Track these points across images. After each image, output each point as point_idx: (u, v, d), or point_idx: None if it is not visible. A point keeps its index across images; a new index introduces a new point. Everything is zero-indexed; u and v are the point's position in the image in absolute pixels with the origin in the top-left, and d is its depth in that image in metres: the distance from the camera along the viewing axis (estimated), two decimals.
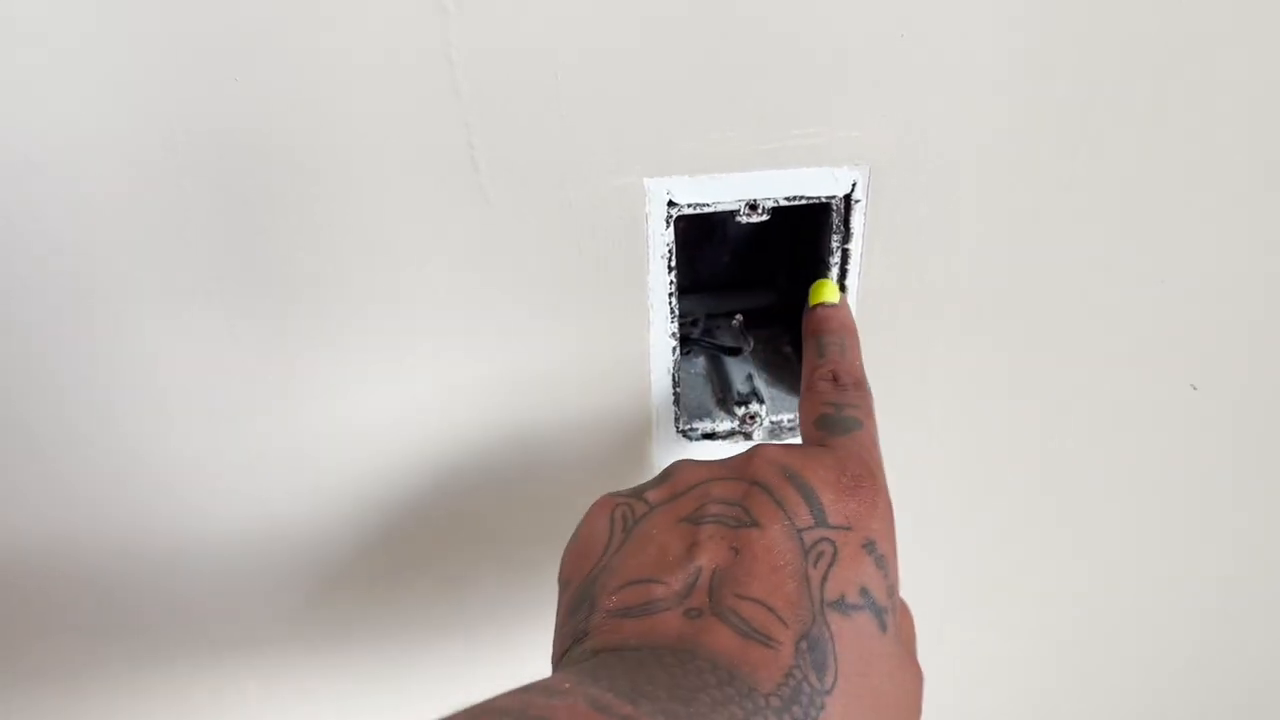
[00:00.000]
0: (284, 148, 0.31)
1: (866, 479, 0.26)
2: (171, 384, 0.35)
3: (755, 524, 0.24)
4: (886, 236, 0.35)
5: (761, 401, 0.40)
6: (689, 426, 0.40)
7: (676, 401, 0.39)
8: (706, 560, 0.24)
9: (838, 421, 0.29)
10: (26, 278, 0.32)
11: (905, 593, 0.28)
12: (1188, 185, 0.36)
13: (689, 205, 0.34)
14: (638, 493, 0.27)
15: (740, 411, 0.39)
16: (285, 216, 0.32)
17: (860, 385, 0.31)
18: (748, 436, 0.40)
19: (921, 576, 0.47)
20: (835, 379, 0.31)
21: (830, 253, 0.36)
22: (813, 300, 0.35)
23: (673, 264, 0.35)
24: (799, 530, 0.24)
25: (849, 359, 0.32)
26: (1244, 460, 0.46)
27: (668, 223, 0.34)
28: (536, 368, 0.37)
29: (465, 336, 0.36)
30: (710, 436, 0.40)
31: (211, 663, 0.45)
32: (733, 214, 0.34)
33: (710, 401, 0.41)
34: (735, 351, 0.42)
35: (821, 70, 0.31)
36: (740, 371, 0.42)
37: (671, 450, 0.40)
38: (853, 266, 0.36)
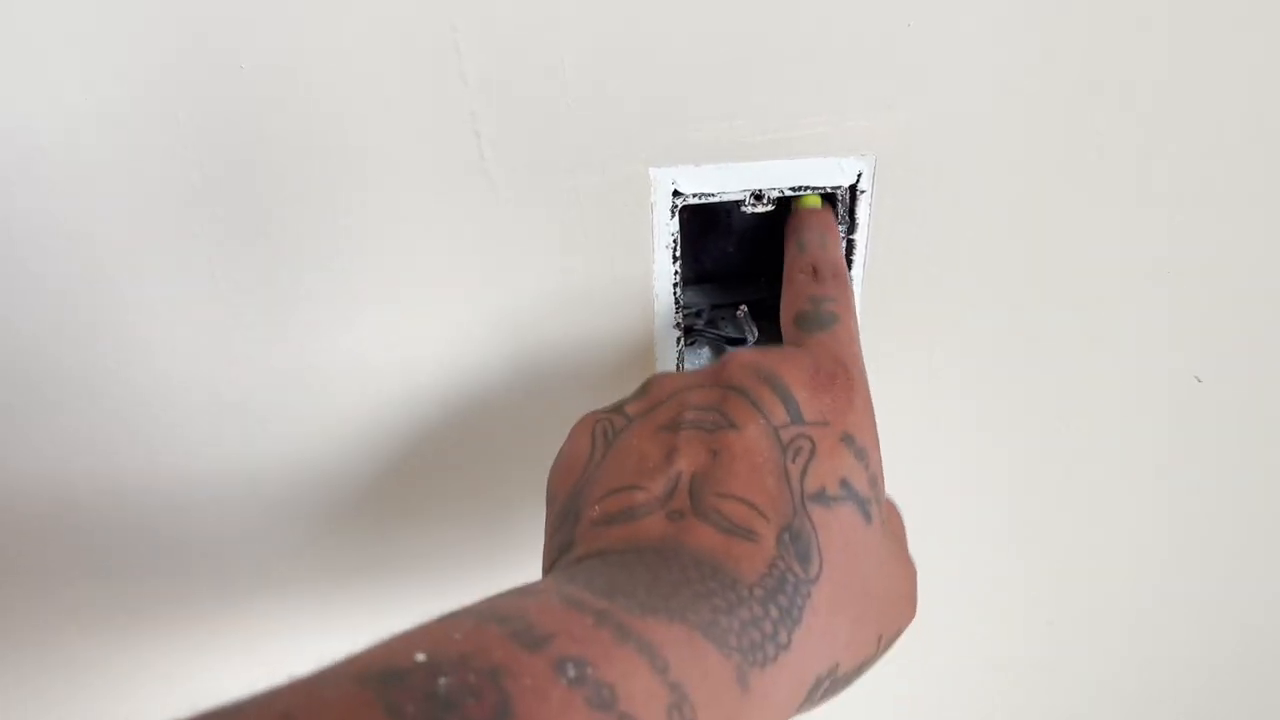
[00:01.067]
0: (289, 134, 0.31)
1: (841, 374, 0.26)
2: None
3: (732, 425, 0.25)
4: (891, 227, 0.35)
5: None
6: None
7: None
8: (686, 464, 0.24)
9: (815, 317, 0.29)
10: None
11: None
12: (1193, 176, 0.36)
13: (694, 195, 0.34)
14: (617, 407, 0.28)
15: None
16: (290, 203, 0.32)
17: (839, 275, 0.31)
18: None
19: (923, 564, 0.48)
20: (815, 271, 0.31)
21: None
22: (797, 206, 0.35)
23: (677, 254, 0.35)
24: (776, 428, 0.25)
25: (829, 251, 0.32)
26: (1249, 452, 0.46)
27: (673, 212, 0.34)
28: (540, 357, 0.37)
29: (467, 327, 0.36)
30: None
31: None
32: (738, 204, 0.34)
33: None
34: (740, 342, 0.42)
35: (827, 60, 0.31)
36: None
37: None
38: (858, 257, 0.36)
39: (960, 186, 0.35)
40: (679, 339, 0.37)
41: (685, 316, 0.37)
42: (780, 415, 0.25)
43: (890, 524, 0.27)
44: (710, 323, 0.43)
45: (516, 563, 0.46)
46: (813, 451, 0.24)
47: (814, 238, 0.33)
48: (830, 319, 0.29)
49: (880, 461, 0.26)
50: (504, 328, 0.36)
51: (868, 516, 0.24)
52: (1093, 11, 0.32)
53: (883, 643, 0.26)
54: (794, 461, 0.24)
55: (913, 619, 0.27)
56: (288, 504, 0.42)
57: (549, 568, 0.24)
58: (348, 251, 0.34)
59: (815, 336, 0.28)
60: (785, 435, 0.25)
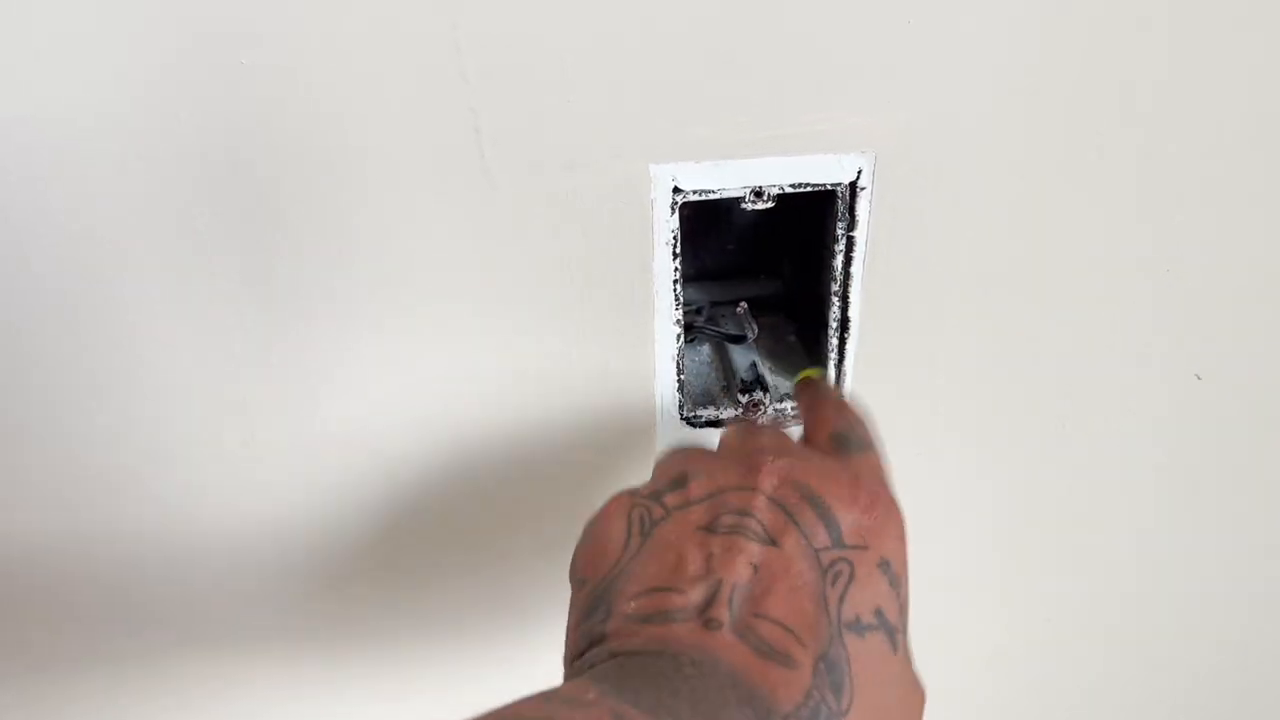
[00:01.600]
0: (289, 132, 0.31)
1: (882, 496, 0.26)
2: (176, 379, 0.36)
3: (773, 542, 0.25)
4: (891, 224, 0.35)
5: (766, 389, 0.40)
6: (693, 414, 0.40)
7: (681, 389, 0.39)
8: (726, 574, 0.24)
9: (851, 440, 0.29)
10: (30, 274, 0.32)
11: (911, 579, 0.28)
12: (1193, 175, 0.36)
13: (694, 192, 0.34)
14: (655, 495, 0.27)
15: (744, 399, 0.39)
16: (291, 200, 0.32)
17: (865, 423, 0.31)
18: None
19: (923, 567, 0.48)
20: (840, 412, 0.32)
21: (835, 240, 0.36)
22: (800, 377, 0.37)
23: (677, 251, 0.35)
24: (816, 550, 0.25)
25: (848, 413, 0.33)
26: (1249, 450, 0.46)
27: (673, 209, 0.34)
28: (540, 354, 0.37)
29: (468, 320, 0.36)
30: (715, 424, 0.40)
31: (216, 655, 0.45)
32: (738, 201, 0.34)
33: (715, 388, 0.41)
34: (740, 339, 0.42)
35: (828, 57, 0.31)
36: (745, 359, 0.42)
37: (676, 438, 0.40)
38: (857, 254, 0.36)
39: (960, 184, 0.35)
40: (679, 336, 0.37)
41: (685, 314, 0.37)
42: (821, 537, 0.25)
43: (907, 651, 0.27)
44: (710, 319, 0.43)
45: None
46: (851, 576, 0.24)
47: (831, 402, 0.33)
48: (864, 443, 0.29)
49: (908, 587, 0.26)
50: (503, 327, 0.36)
51: (894, 645, 0.25)
52: (1093, 11, 0.32)
53: None
54: (832, 586, 0.24)
55: None
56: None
57: (576, 654, 0.24)
58: (347, 254, 0.34)
59: (854, 456, 0.28)
60: (825, 558, 0.25)
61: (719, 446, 0.30)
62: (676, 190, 0.33)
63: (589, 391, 0.39)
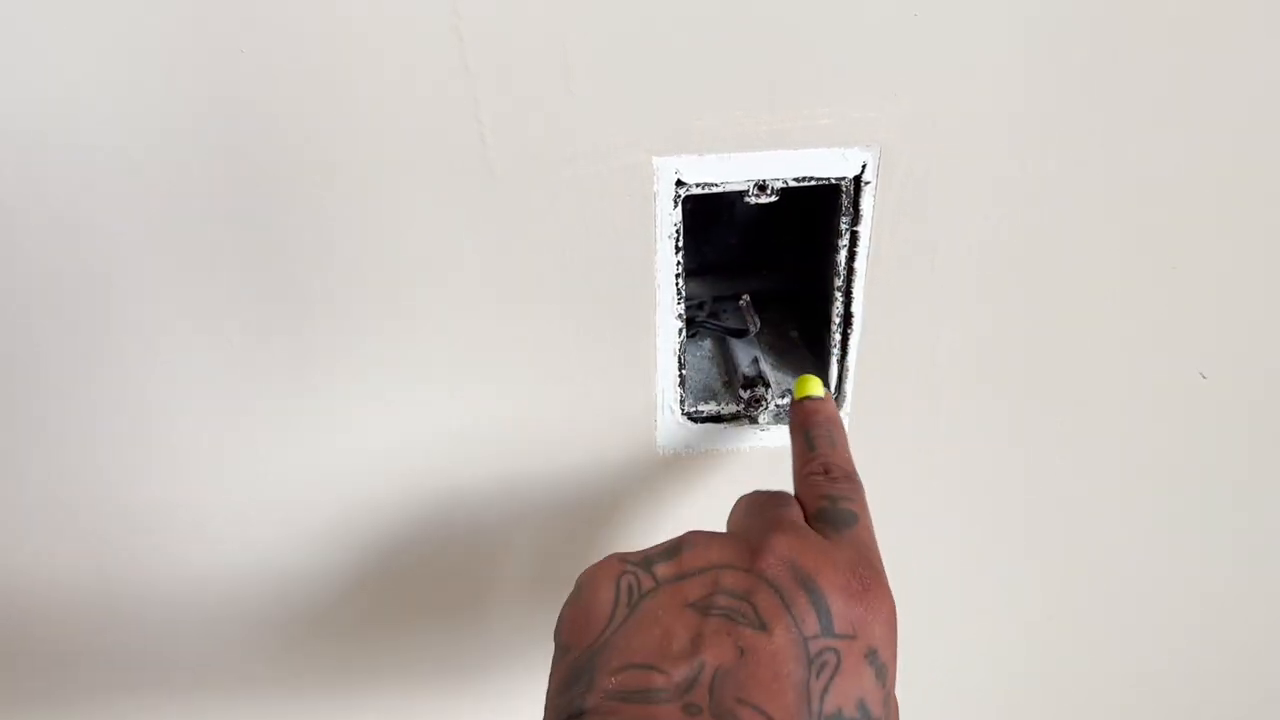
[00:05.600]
0: (290, 123, 0.31)
1: (874, 583, 0.26)
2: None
3: (762, 627, 0.25)
4: (895, 219, 0.35)
5: (767, 385, 0.40)
6: (694, 409, 0.40)
7: (682, 383, 0.39)
8: (710, 656, 0.24)
9: (835, 515, 0.29)
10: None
11: (911, 579, 0.28)
12: (1201, 170, 0.36)
13: (697, 185, 0.33)
14: (646, 563, 0.27)
15: (746, 394, 0.39)
16: (291, 190, 0.32)
17: (852, 478, 0.31)
18: (753, 420, 0.40)
19: (924, 562, 0.47)
20: (827, 472, 0.31)
21: (839, 235, 0.35)
22: (798, 394, 0.35)
23: (680, 245, 0.35)
24: (806, 639, 0.25)
25: (839, 452, 0.32)
26: (1254, 449, 0.46)
27: (676, 202, 0.34)
28: (539, 350, 0.37)
29: (466, 313, 0.36)
30: (716, 419, 0.40)
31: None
32: (741, 195, 0.34)
33: (716, 384, 0.41)
34: (742, 333, 0.42)
35: (832, 50, 0.31)
36: (746, 354, 0.42)
37: (677, 433, 0.40)
38: (861, 249, 0.36)
39: (965, 178, 0.35)
40: (680, 330, 0.37)
41: (687, 308, 0.37)
42: (811, 625, 0.25)
43: None
44: (712, 314, 0.43)
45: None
46: (837, 667, 0.24)
47: (823, 435, 0.33)
48: (850, 518, 0.29)
49: (895, 674, 0.26)
50: (502, 319, 0.36)
51: None
52: (1098, 3, 0.31)
53: None
54: (817, 678, 0.24)
55: None
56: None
57: None
58: (346, 241, 0.33)
59: (842, 534, 0.28)
60: (813, 647, 0.24)
61: (729, 516, 0.30)
62: (679, 183, 0.33)
63: (589, 386, 0.38)
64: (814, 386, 0.35)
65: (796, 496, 0.31)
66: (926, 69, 0.32)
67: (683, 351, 0.38)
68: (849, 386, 0.39)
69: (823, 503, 0.30)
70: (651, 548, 0.28)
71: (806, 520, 0.29)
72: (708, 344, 0.43)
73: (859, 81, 0.32)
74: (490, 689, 0.47)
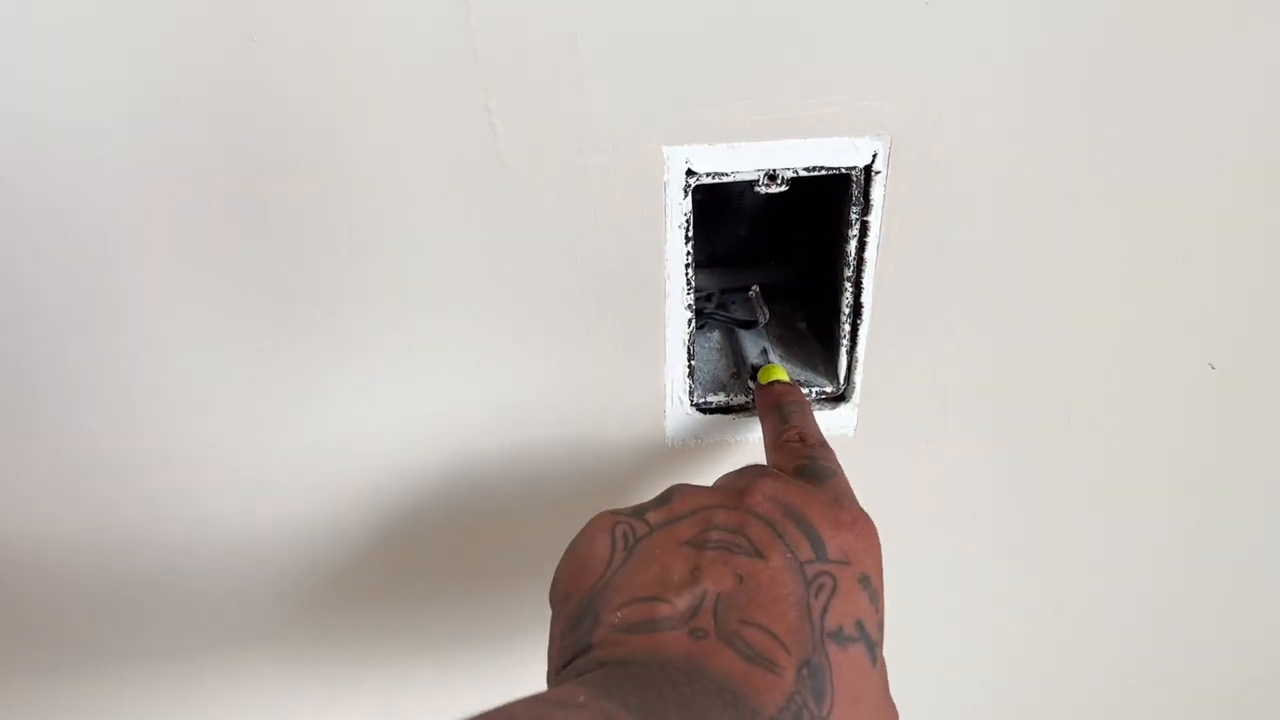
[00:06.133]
0: (300, 112, 0.31)
1: (861, 517, 0.28)
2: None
3: (759, 554, 0.25)
4: (906, 208, 0.35)
5: None
6: (703, 400, 0.40)
7: (691, 374, 0.39)
8: (711, 584, 0.25)
9: (815, 470, 0.30)
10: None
11: (916, 572, 0.28)
12: (1211, 160, 0.36)
13: (708, 174, 0.33)
14: (638, 513, 0.28)
15: (754, 385, 0.39)
16: (301, 186, 0.32)
17: (826, 445, 0.32)
18: None
19: (930, 558, 0.47)
20: (803, 439, 0.32)
21: (849, 225, 0.35)
22: (765, 380, 0.37)
23: (690, 234, 0.35)
24: (801, 563, 0.26)
25: (811, 424, 0.34)
26: (1263, 442, 0.46)
27: (686, 192, 0.34)
28: (549, 338, 0.37)
29: (478, 303, 0.36)
30: (724, 410, 0.40)
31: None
32: (751, 185, 0.34)
33: (724, 375, 0.41)
34: (750, 324, 0.42)
35: (843, 39, 0.31)
36: (755, 345, 0.42)
37: (685, 423, 0.40)
38: (871, 239, 0.35)
39: (975, 167, 0.34)
40: (690, 321, 0.37)
41: (696, 299, 0.37)
42: (805, 550, 0.26)
43: (883, 670, 0.28)
44: (721, 305, 0.43)
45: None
46: (834, 589, 0.25)
47: (795, 410, 0.34)
48: (830, 472, 0.30)
49: (884, 607, 0.27)
50: (512, 309, 0.36)
51: (874, 660, 0.25)
52: None
53: None
54: (816, 598, 0.25)
55: None
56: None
57: (562, 665, 0.25)
58: (357, 231, 0.33)
59: (824, 484, 0.29)
60: (810, 570, 0.25)
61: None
62: (690, 173, 0.33)
63: (598, 376, 0.38)
64: (781, 373, 0.37)
65: (773, 464, 0.32)
66: (937, 58, 0.32)
67: (692, 342, 0.38)
68: (858, 378, 0.39)
69: (802, 462, 0.31)
70: (644, 502, 0.29)
71: (791, 476, 0.30)
72: (716, 335, 0.43)
73: (870, 71, 0.32)
74: (510, 656, 0.47)
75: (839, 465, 0.31)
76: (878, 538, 0.28)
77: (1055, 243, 0.37)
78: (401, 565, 0.44)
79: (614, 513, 0.28)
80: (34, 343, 0.34)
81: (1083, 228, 0.37)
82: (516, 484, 0.41)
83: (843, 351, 0.39)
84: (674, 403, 0.39)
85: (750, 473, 0.29)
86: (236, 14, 0.29)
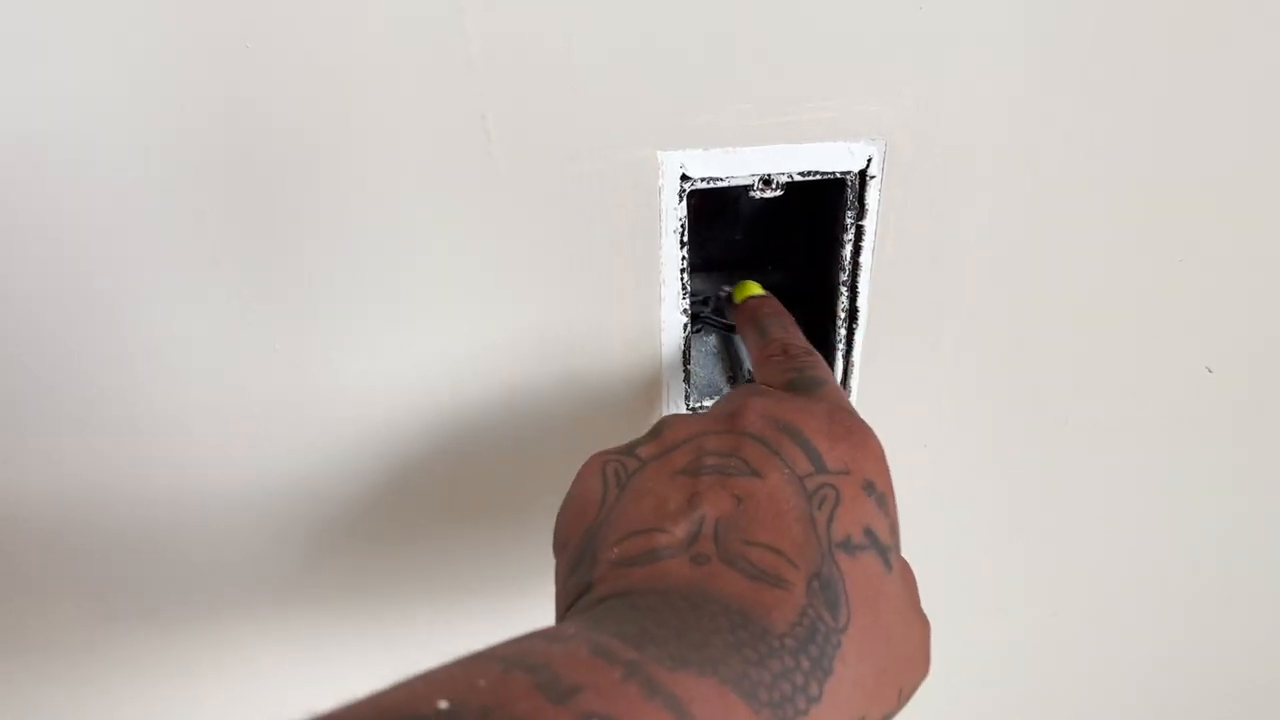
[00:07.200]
0: (294, 118, 0.31)
1: (856, 423, 0.27)
2: (176, 343, 0.35)
3: (755, 473, 0.25)
4: (901, 213, 0.35)
5: None
6: (699, 404, 0.40)
7: (687, 379, 0.39)
8: (709, 509, 0.24)
9: (804, 382, 0.29)
10: (30, 243, 0.32)
11: (918, 571, 0.28)
12: (1207, 164, 0.36)
13: (702, 179, 0.33)
14: (628, 449, 0.27)
15: (730, 309, 0.39)
16: (295, 188, 0.32)
17: (811, 352, 0.31)
18: None
19: (930, 559, 0.47)
20: (786, 351, 0.31)
21: (844, 229, 0.35)
22: (739, 297, 0.36)
23: (685, 239, 0.35)
24: (800, 477, 0.25)
25: (791, 333, 0.33)
26: (1261, 444, 0.46)
27: (681, 197, 0.34)
28: (546, 343, 0.37)
29: (474, 309, 0.36)
30: None
31: (215, 619, 0.45)
32: (746, 189, 0.34)
33: (721, 379, 0.41)
34: None
35: (838, 43, 0.31)
36: None
37: None
38: (867, 243, 0.36)
39: (971, 172, 0.34)
40: (685, 325, 0.37)
41: (692, 304, 0.37)
42: (803, 464, 0.25)
43: (905, 578, 0.27)
44: (717, 310, 0.43)
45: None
46: (838, 499, 0.24)
47: (774, 324, 0.34)
48: (820, 381, 0.29)
49: (896, 509, 0.26)
50: (507, 314, 0.36)
51: (888, 565, 0.25)
52: (1103, 2, 0.31)
53: (902, 697, 0.25)
54: (820, 509, 0.24)
55: (927, 675, 0.27)
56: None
57: (565, 608, 0.24)
58: (350, 241, 0.33)
59: (815, 394, 0.29)
60: (810, 484, 0.25)
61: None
62: (684, 178, 0.33)
63: (594, 381, 0.38)
64: (754, 288, 0.36)
65: (760, 378, 0.31)
66: (932, 62, 0.32)
67: (688, 347, 0.38)
68: (854, 382, 0.39)
69: (790, 375, 0.30)
70: (632, 440, 0.28)
71: (780, 391, 0.30)
72: (712, 339, 0.43)
73: (864, 75, 0.32)
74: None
75: (828, 372, 0.30)
76: (877, 442, 0.27)
77: (1050, 246, 0.37)
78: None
79: (604, 453, 0.28)
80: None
81: (1078, 231, 0.37)
82: (510, 491, 0.41)
83: (839, 355, 0.39)
84: (670, 407, 0.39)
85: (739, 394, 0.28)
86: (229, 22, 0.29)
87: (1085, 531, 0.48)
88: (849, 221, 0.35)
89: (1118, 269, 0.38)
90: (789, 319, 0.34)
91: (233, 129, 0.30)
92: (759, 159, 0.33)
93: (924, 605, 0.29)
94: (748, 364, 0.41)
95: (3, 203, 0.31)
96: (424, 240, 0.34)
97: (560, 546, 0.27)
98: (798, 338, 0.33)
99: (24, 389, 0.35)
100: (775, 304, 0.35)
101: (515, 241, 0.34)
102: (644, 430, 0.40)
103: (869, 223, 0.35)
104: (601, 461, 0.27)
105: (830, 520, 0.24)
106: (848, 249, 0.36)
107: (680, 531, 0.23)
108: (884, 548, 0.24)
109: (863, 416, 0.28)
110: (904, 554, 0.27)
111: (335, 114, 0.31)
